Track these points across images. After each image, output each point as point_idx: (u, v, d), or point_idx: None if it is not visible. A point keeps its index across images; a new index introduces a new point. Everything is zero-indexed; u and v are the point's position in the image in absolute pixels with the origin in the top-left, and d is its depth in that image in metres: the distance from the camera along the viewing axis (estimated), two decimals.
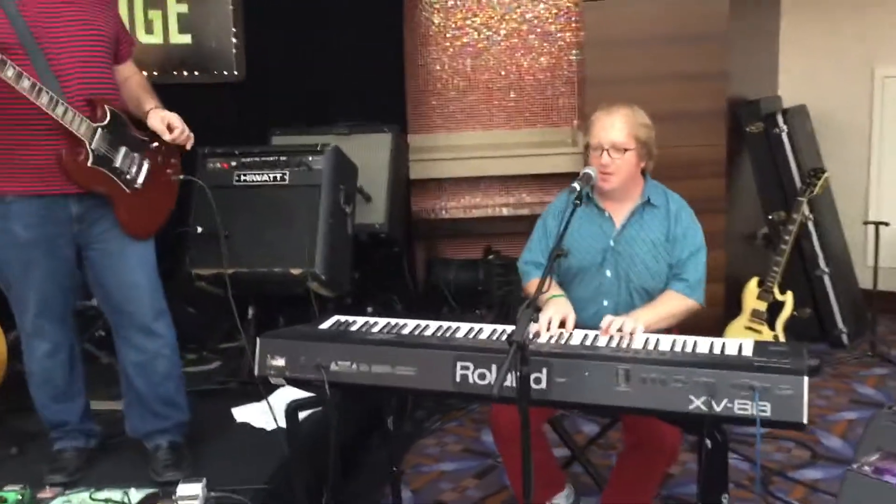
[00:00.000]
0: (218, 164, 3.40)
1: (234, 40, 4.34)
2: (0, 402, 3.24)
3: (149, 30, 4.31)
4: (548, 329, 2.38)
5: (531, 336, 2.35)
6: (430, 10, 5.06)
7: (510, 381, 1.99)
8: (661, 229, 2.57)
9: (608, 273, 2.58)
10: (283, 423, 2.50)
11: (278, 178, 3.37)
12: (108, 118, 2.51)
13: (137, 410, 2.77)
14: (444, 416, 3.71)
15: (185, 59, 4.32)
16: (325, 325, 2.63)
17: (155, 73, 4.18)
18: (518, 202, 5.18)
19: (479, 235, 4.98)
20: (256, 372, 2.44)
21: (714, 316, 4.34)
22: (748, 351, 2.24)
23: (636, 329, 2.36)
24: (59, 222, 2.54)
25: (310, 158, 3.35)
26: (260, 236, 3.31)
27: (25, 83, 2.32)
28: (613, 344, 2.34)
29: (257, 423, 3.07)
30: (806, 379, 1.99)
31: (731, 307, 4.22)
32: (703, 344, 2.31)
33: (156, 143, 2.65)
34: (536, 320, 2.03)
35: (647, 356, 2.20)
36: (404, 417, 3.58)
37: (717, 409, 2.04)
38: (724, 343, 2.30)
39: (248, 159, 3.39)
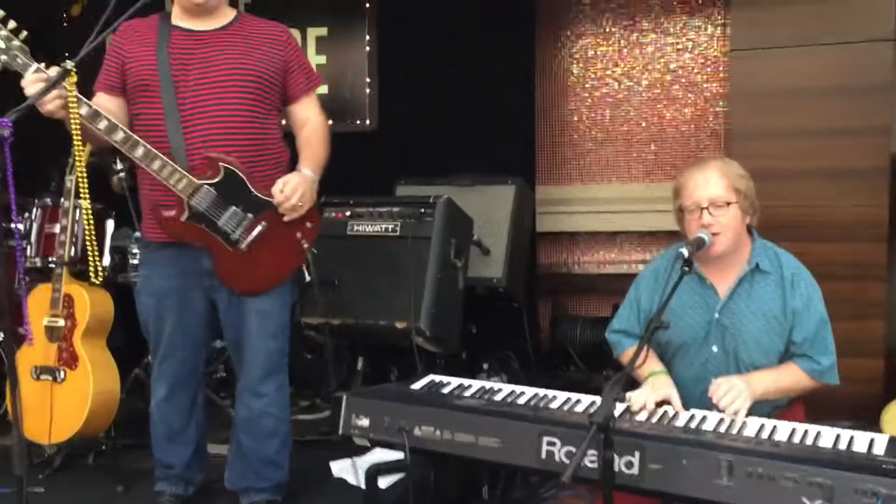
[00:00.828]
0: (333, 214, 3.42)
1: (367, 91, 4.41)
2: (119, 438, 3.35)
3: None
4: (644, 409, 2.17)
5: (624, 414, 2.18)
6: (570, 61, 4.94)
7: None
8: (776, 300, 2.28)
9: (714, 349, 2.32)
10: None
11: (390, 230, 3.34)
12: (221, 176, 2.45)
13: (239, 464, 2.76)
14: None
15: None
16: (417, 385, 2.54)
17: None
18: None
19: (611, 293, 4.73)
20: (341, 430, 2.37)
21: (870, 395, 3.91)
22: (880, 448, 1.95)
23: (739, 412, 2.11)
24: (191, 274, 2.56)
25: (422, 210, 3.30)
26: (369, 287, 3.28)
27: (118, 136, 2.35)
28: (722, 429, 2.10)
29: (352, 480, 3.00)
30: None
31: (892, 387, 3.77)
32: (828, 436, 2.03)
33: None
34: (623, 400, 1.83)
35: (756, 446, 1.96)
36: (513, 484, 3.40)
37: None
38: (852, 437, 2.02)
39: (362, 209, 3.39)
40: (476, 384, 2.52)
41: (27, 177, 3.56)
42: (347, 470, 3.07)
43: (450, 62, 4.36)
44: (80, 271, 3.31)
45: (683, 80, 4.85)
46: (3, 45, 2.22)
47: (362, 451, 2.99)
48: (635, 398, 2.20)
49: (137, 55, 2.50)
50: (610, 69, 4.93)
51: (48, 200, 3.55)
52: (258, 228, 2.50)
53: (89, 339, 3.14)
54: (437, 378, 2.59)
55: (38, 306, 3.16)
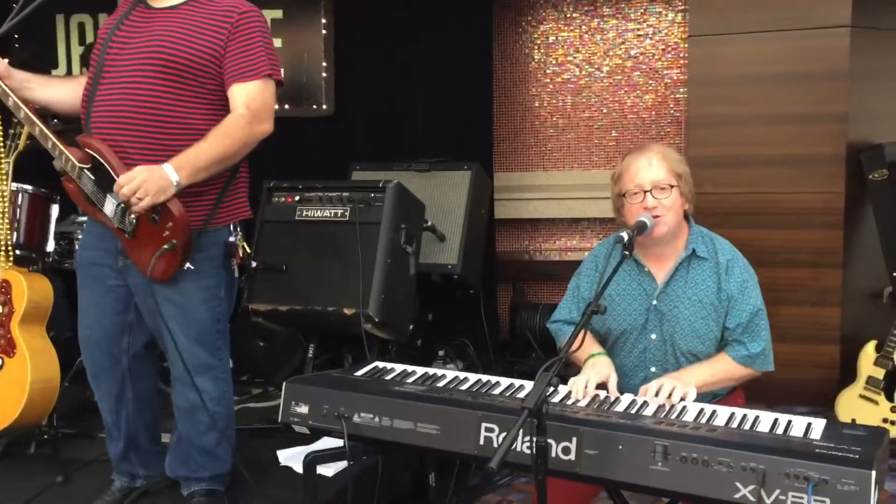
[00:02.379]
0: (282, 198, 3.35)
1: (324, 75, 4.34)
2: (61, 427, 3.27)
3: None
4: (584, 392, 2.14)
5: (565, 399, 2.15)
6: (531, 46, 4.90)
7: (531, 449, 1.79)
8: (711, 286, 2.26)
9: (653, 336, 2.30)
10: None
11: (339, 215, 3.28)
12: (91, 163, 2.34)
13: (178, 453, 2.66)
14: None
15: (281, 95, 4.35)
16: (360, 372, 2.50)
17: None
18: None
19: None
20: (280, 418, 2.33)
21: (827, 380, 3.93)
22: (816, 433, 1.93)
23: (687, 394, 2.09)
24: (108, 250, 2.47)
25: (371, 195, 3.24)
26: (318, 273, 3.22)
27: (20, 114, 2.35)
28: (661, 414, 2.08)
29: (299, 469, 2.95)
30: (874, 474, 1.67)
31: (848, 372, 3.78)
32: (766, 420, 2.01)
33: None
34: (556, 385, 1.79)
35: (692, 431, 1.94)
36: (467, 471, 3.37)
37: (767, 501, 1.75)
38: (790, 421, 2.00)
39: (311, 194, 3.33)
40: (420, 371, 2.49)
41: None
42: (295, 458, 3.02)
43: (408, 47, 4.31)
44: (21, 257, 3.23)
45: (644, 67, 4.83)
46: None
47: (313, 439, 2.95)
48: (577, 383, 2.18)
49: (103, 30, 2.45)
50: (571, 55, 4.90)
51: None
52: (132, 219, 2.34)
53: (27, 326, 3.06)
54: (382, 365, 2.55)
55: None
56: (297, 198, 3.35)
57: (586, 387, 2.16)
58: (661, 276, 2.30)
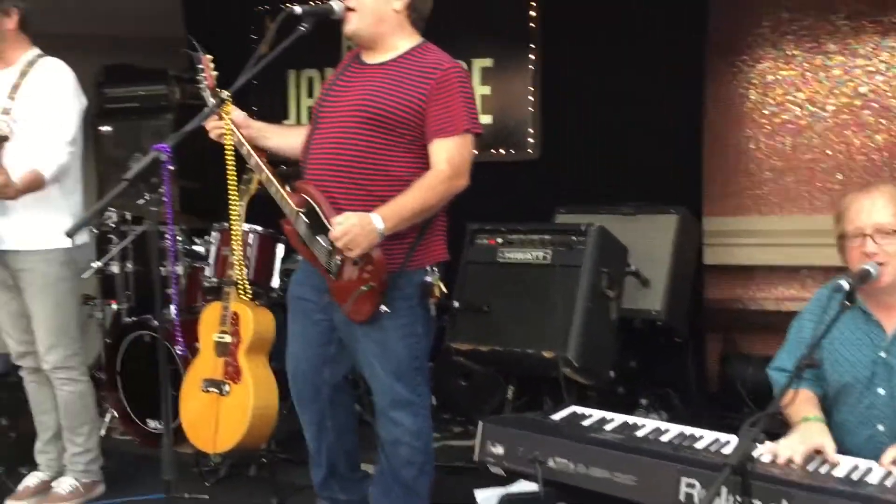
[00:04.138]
0: (485, 240, 3.42)
1: (531, 120, 4.40)
2: (279, 452, 3.50)
3: None
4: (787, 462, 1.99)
5: (775, 458, 2.01)
6: (746, 86, 4.71)
7: None
8: None
9: (881, 391, 2.09)
10: None
11: (540, 258, 3.30)
12: (307, 207, 2.50)
13: (381, 484, 2.74)
14: None
15: (483, 138, 4.44)
16: (557, 416, 2.48)
17: None
18: None
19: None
20: (476, 457, 2.35)
21: None
22: None
23: None
24: (315, 287, 2.62)
25: (573, 238, 3.23)
26: (518, 315, 3.24)
27: (252, 161, 2.54)
28: (889, 483, 1.89)
29: None
30: None
31: None
32: None
33: None
34: (762, 441, 1.69)
35: None
36: None
37: None
38: None
39: (514, 237, 3.37)
40: (619, 418, 2.43)
41: (212, 201, 3.87)
42: (492, 500, 3.03)
43: (614, 90, 4.27)
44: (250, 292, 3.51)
45: (875, 105, 4.48)
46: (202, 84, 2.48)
47: (511, 481, 2.94)
48: (781, 449, 2.02)
49: (326, 84, 2.69)
50: (791, 94, 4.64)
51: (226, 224, 3.80)
52: (336, 260, 2.48)
53: (252, 356, 3.31)
54: (579, 410, 2.52)
55: (209, 323, 3.38)
56: (499, 240, 3.41)
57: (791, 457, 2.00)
58: (891, 326, 2.11)
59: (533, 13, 4.30)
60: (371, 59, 2.58)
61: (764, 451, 2.03)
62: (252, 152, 2.55)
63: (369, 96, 2.49)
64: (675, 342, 3.87)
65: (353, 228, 2.34)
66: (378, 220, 2.36)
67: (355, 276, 2.46)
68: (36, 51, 3.19)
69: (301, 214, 2.51)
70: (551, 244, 3.30)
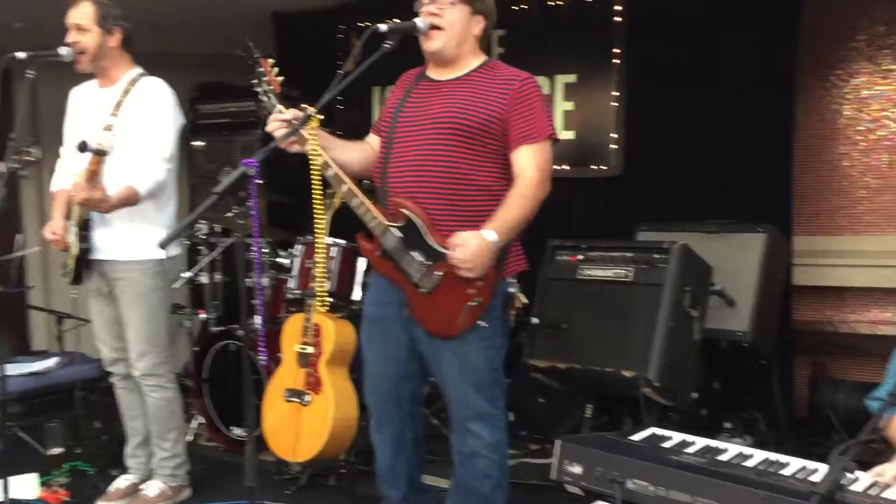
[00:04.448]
0: (566, 257, 3.40)
1: (614, 136, 4.36)
2: (358, 464, 3.54)
3: None
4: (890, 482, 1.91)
5: (871, 488, 1.93)
6: (840, 102, 4.55)
7: None
8: None
9: None
10: None
11: (621, 275, 3.25)
12: (404, 222, 2.51)
13: (455, 497, 2.76)
14: None
15: (566, 154, 4.45)
16: (637, 437, 2.44)
17: None
18: None
19: (886, 356, 4.23)
20: (553, 476, 2.33)
21: None
22: None
23: None
24: (392, 303, 2.64)
25: (655, 256, 3.18)
26: (599, 333, 3.21)
27: (329, 172, 2.53)
28: None
29: None
30: None
31: None
32: None
33: None
34: (852, 470, 1.62)
35: None
36: None
37: None
38: None
39: (594, 254, 3.34)
40: (701, 442, 2.37)
41: (296, 215, 3.97)
42: None
43: (701, 104, 4.20)
44: (331, 304, 3.58)
45: None
46: (262, 88, 2.51)
47: (587, 500, 2.91)
48: (886, 471, 1.95)
49: (391, 101, 2.70)
50: (889, 110, 4.47)
51: (310, 237, 3.89)
52: (435, 276, 2.49)
53: (332, 367, 3.37)
54: (660, 431, 2.47)
55: (292, 334, 3.46)
56: (580, 257, 3.38)
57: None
58: None
59: (618, 29, 4.27)
60: (443, 75, 2.63)
61: (864, 476, 1.96)
62: (332, 164, 2.56)
63: (454, 109, 2.54)
64: (761, 364, 3.76)
65: (478, 250, 2.38)
66: (492, 235, 2.41)
67: (455, 292, 2.47)
68: (138, 69, 3.33)
69: (392, 229, 2.53)
70: (633, 262, 3.25)
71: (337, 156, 2.62)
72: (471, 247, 2.37)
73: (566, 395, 3.82)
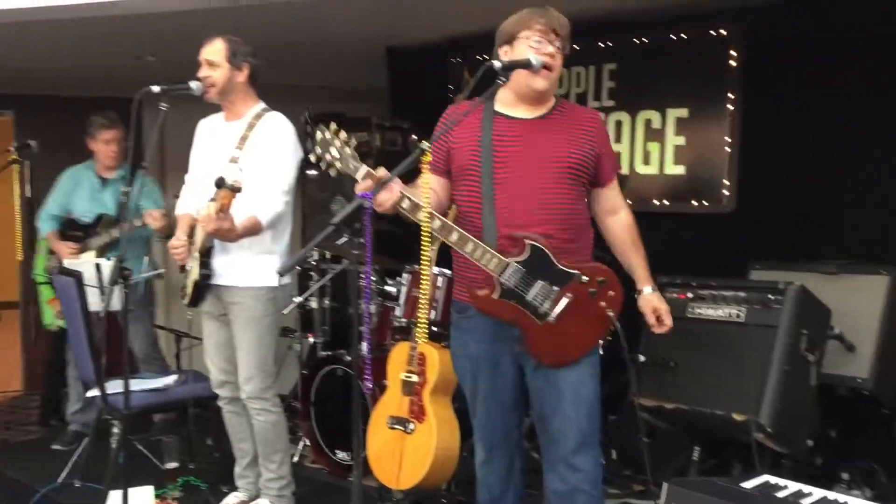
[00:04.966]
0: (674, 294, 3.33)
1: (727, 171, 4.26)
2: (458, 494, 3.55)
3: (645, 161, 4.48)
4: None
5: None
6: None
7: None
8: None
9: None
10: None
11: (733, 315, 3.16)
12: (528, 254, 2.53)
13: None
14: None
15: (676, 189, 4.38)
16: (748, 484, 2.36)
17: (651, 202, 4.37)
18: None
19: None
20: None
21: None
22: None
23: None
24: (502, 339, 2.65)
25: (770, 297, 3.08)
26: (708, 374, 3.13)
27: (436, 224, 2.52)
28: None
29: None
30: None
31: None
32: None
33: (586, 277, 2.58)
34: None
35: None
36: None
37: None
38: None
39: (705, 292, 3.26)
40: (818, 493, 2.28)
41: (403, 244, 4.04)
42: None
43: (820, 140, 4.05)
44: (436, 333, 3.62)
45: None
46: (338, 154, 2.52)
47: None
48: None
49: (463, 141, 2.65)
50: None
51: (417, 267, 3.96)
52: (564, 300, 2.54)
53: (436, 396, 3.40)
54: (773, 479, 2.39)
55: (397, 361, 3.51)
56: (689, 294, 3.31)
57: None
58: None
59: (733, 62, 4.19)
60: (527, 113, 2.65)
61: None
62: (438, 216, 2.56)
63: (564, 148, 2.61)
64: (882, 413, 3.57)
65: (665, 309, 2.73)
66: (651, 291, 2.77)
67: (583, 313, 2.58)
68: (262, 104, 3.49)
69: (514, 263, 2.53)
70: (746, 301, 3.16)
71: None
72: (664, 307, 2.74)
73: (672, 435, 3.73)
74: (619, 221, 2.76)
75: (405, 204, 2.47)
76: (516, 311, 2.57)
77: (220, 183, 3.02)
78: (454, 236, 2.55)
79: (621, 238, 2.75)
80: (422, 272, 2.89)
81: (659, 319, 2.72)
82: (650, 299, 2.73)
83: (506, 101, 2.67)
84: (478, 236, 2.56)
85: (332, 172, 2.55)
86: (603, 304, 2.59)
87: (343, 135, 2.53)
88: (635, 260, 2.73)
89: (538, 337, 2.58)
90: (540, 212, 2.57)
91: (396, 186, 2.44)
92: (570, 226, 2.61)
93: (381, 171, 2.45)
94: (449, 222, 2.57)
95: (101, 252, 4.43)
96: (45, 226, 4.67)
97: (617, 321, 2.63)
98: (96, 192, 4.64)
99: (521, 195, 2.58)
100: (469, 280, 2.66)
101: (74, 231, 4.64)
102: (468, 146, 2.65)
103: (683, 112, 4.38)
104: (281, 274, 2.78)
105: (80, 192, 4.66)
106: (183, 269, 3.43)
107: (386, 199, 2.44)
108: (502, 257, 2.54)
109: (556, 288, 2.55)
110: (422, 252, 2.62)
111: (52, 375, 5.12)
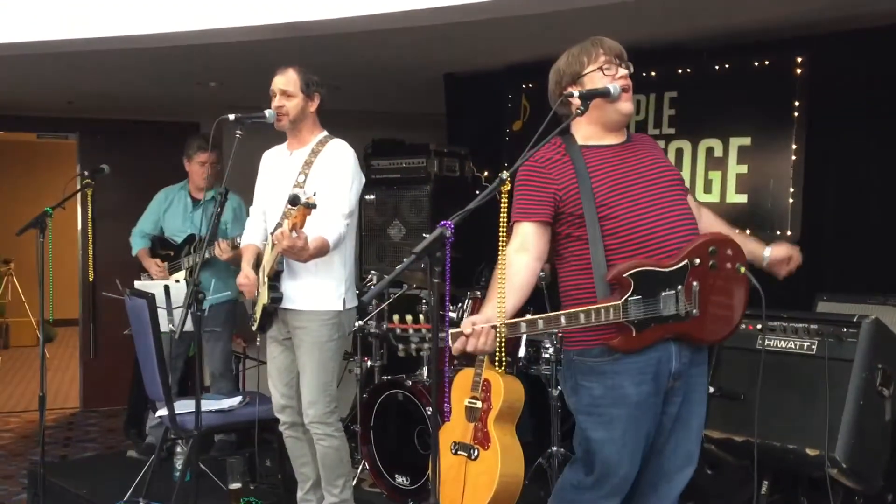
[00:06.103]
0: (744, 325, 3.28)
1: (790, 200, 4.22)
2: None
3: (707, 189, 4.46)
4: None
5: None
6: None
7: None
8: None
9: None
10: None
11: (805, 347, 3.13)
12: (633, 285, 2.42)
13: None
14: None
15: (739, 218, 4.34)
16: None
17: None
18: None
19: None
20: None
21: None
22: None
23: None
24: (656, 380, 2.52)
25: (844, 330, 3.04)
26: (778, 407, 3.08)
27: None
28: None
29: None
30: None
31: None
32: None
33: (698, 259, 2.47)
34: None
35: None
36: None
37: None
38: None
39: (775, 324, 3.22)
40: None
41: (464, 271, 4.06)
42: None
43: (883, 167, 4.01)
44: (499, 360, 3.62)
45: None
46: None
47: None
48: None
49: (565, 184, 2.53)
50: None
51: (478, 293, 3.97)
52: (693, 289, 2.47)
53: (501, 423, 3.40)
54: None
55: (461, 387, 3.52)
56: (759, 326, 3.27)
57: None
58: None
59: (798, 88, 4.15)
60: (613, 140, 2.63)
61: None
62: (540, 317, 2.47)
63: (669, 166, 2.73)
64: None
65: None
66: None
67: (719, 284, 2.55)
68: (324, 132, 3.57)
69: (629, 299, 2.42)
70: (818, 334, 3.12)
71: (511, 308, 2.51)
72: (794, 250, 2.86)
73: (737, 467, 3.67)
74: (707, 216, 2.81)
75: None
76: (663, 328, 2.47)
77: (294, 200, 3.03)
78: (563, 321, 2.44)
79: (718, 228, 2.75)
80: (498, 295, 2.67)
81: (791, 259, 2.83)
82: (779, 249, 2.82)
83: (588, 135, 2.61)
84: (587, 277, 2.50)
85: None
86: (728, 265, 2.56)
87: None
88: (740, 238, 2.76)
89: (698, 328, 2.52)
90: (681, 228, 2.55)
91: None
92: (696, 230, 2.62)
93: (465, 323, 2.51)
94: (556, 313, 2.47)
95: (191, 272, 4.50)
96: (138, 243, 4.78)
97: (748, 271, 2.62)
98: (188, 213, 4.75)
99: (666, 217, 2.53)
100: (603, 343, 2.50)
101: (165, 250, 4.75)
102: (570, 187, 2.53)
103: (746, 140, 4.36)
104: (366, 303, 2.80)
105: (172, 211, 4.79)
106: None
107: (486, 345, 2.49)
108: (615, 302, 2.42)
109: (679, 286, 2.46)
110: (499, 274, 2.51)
111: (136, 389, 5.19)
